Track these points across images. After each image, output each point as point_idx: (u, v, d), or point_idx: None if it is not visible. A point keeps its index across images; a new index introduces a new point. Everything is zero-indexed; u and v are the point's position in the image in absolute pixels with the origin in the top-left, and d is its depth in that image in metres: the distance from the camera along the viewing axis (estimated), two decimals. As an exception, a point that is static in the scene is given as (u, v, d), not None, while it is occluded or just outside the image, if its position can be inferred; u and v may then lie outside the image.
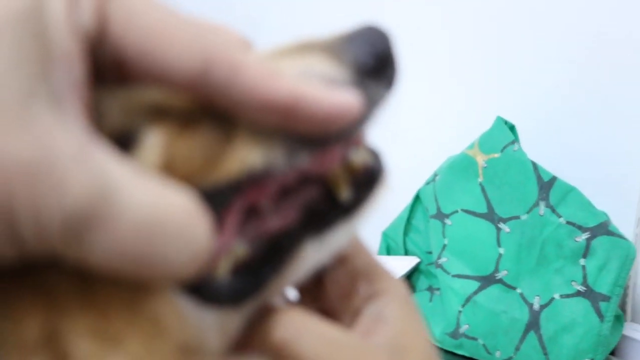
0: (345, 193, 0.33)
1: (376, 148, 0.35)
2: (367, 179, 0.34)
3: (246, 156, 0.27)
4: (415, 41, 1.30)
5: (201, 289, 0.28)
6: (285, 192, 0.31)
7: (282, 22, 1.41)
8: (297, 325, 0.32)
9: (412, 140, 1.35)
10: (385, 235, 1.27)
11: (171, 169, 0.26)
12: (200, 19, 0.26)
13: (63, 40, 0.23)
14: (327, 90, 0.28)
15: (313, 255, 0.32)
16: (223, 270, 0.28)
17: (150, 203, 0.23)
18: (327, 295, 0.37)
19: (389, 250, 1.26)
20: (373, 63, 0.30)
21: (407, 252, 1.24)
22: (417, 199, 1.22)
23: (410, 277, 1.21)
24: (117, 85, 0.27)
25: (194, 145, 0.27)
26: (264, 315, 0.32)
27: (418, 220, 1.23)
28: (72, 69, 0.23)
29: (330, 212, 0.32)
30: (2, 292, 0.24)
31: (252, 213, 0.30)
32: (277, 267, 0.31)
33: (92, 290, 0.25)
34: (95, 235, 0.22)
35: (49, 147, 0.21)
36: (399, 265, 1.19)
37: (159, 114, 0.27)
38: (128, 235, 0.23)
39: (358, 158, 0.33)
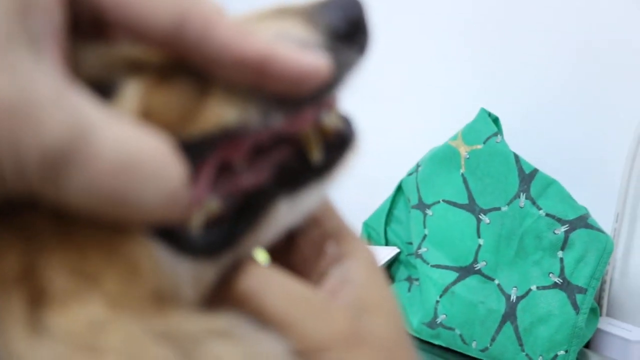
0: (316, 154, 0.34)
1: (347, 113, 0.35)
2: (338, 142, 0.35)
3: (222, 113, 0.28)
4: (400, 32, 1.30)
5: (176, 238, 0.28)
6: (259, 151, 0.32)
7: None
8: (261, 278, 0.33)
9: (395, 131, 1.35)
10: (367, 225, 1.27)
11: (148, 119, 0.27)
12: None
13: None
14: (298, 51, 0.28)
15: (285, 213, 0.33)
16: (196, 223, 0.29)
17: (125, 143, 0.24)
18: (296, 257, 0.37)
19: (369, 241, 1.26)
20: (346, 28, 0.31)
21: (387, 243, 1.24)
22: (399, 189, 1.23)
23: (390, 267, 1.21)
24: (95, 41, 0.27)
25: (170, 98, 0.28)
26: (233, 270, 0.32)
27: (400, 211, 1.23)
28: (50, 16, 0.24)
29: (302, 172, 0.33)
30: None
31: (225, 170, 0.30)
32: (250, 222, 0.31)
33: (70, 230, 0.25)
34: (72, 174, 0.23)
35: (28, 89, 0.22)
36: (379, 255, 1.19)
37: (136, 68, 0.28)
38: (103, 174, 0.23)
39: (330, 121, 0.34)
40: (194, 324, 0.27)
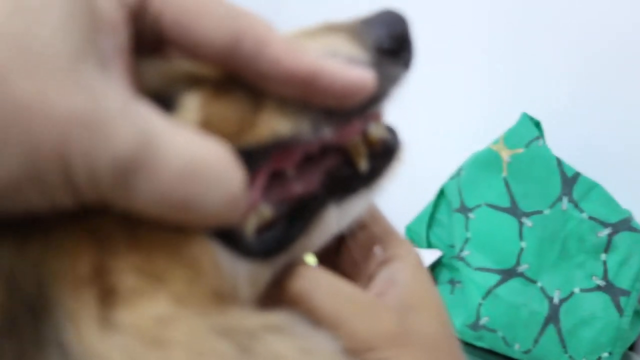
0: (363, 163, 0.36)
1: (393, 125, 0.37)
2: (384, 152, 0.37)
3: (275, 125, 0.30)
4: (443, 38, 1.31)
5: (234, 241, 0.31)
6: (309, 160, 0.33)
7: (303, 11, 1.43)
8: (312, 280, 0.34)
9: (438, 136, 1.36)
10: (409, 229, 1.28)
11: (207, 128, 0.29)
12: (230, 3, 0.29)
13: (109, 9, 0.26)
14: (345, 67, 0.30)
15: (335, 219, 0.35)
16: (250, 227, 0.31)
17: (190, 150, 0.26)
18: (346, 260, 0.39)
19: (412, 244, 1.27)
20: (391, 44, 0.33)
21: (430, 246, 1.25)
22: (441, 193, 1.24)
23: (433, 270, 1.23)
24: (156, 55, 0.29)
25: (227, 110, 0.30)
26: (285, 272, 0.34)
27: (442, 215, 1.24)
28: (116, 35, 0.26)
29: (350, 180, 0.35)
30: (61, 234, 0.26)
31: (277, 178, 0.32)
32: (302, 227, 0.34)
33: (138, 234, 0.27)
34: (141, 181, 0.25)
35: (99, 102, 0.24)
36: (422, 257, 1.20)
37: (194, 82, 0.30)
38: (169, 180, 0.25)
39: (376, 132, 0.36)
40: (251, 321, 0.29)
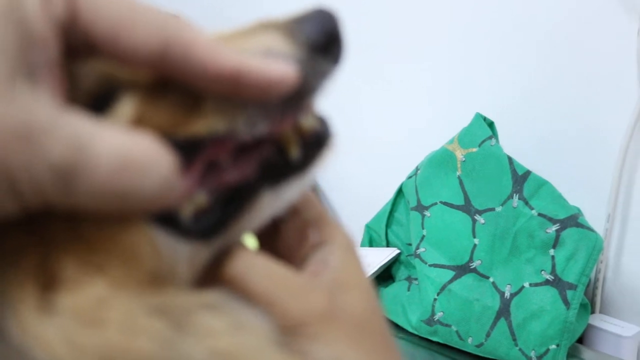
0: (295, 152, 0.38)
1: (324, 115, 0.39)
2: (315, 141, 0.39)
3: (211, 122, 0.33)
4: (396, 42, 1.34)
5: (172, 225, 0.33)
6: (243, 150, 0.36)
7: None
8: (247, 262, 0.37)
9: (395, 137, 1.39)
10: (368, 228, 1.31)
11: (141, 125, 0.31)
12: (158, 8, 0.31)
13: (39, 25, 0.27)
14: (266, 62, 0.33)
15: (269, 204, 0.37)
16: (187, 213, 0.33)
17: (118, 146, 0.28)
18: (282, 243, 0.41)
19: (371, 242, 1.30)
20: (322, 41, 0.36)
21: (388, 244, 1.28)
22: (399, 192, 1.26)
23: (391, 267, 1.25)
24: (90, 58, 0.31)
25: (162, 109, 0.32)
26: (223, 255, 0.36)
27: (400, 213, 1.27)
28: (46, 49, 0.28)
29: (283, 168, 0.37)
30: (7, 235, 0.28)
31: (212, 168, 0.34)
32: (236, 211, 0.36)
33: (81, 230, 0.29)
34: (80, 181, 0.27)
35: (31, 115, 0.26)
36: (380, 256, 1.23)
37: (130, 85, 0.32)
38: (105, 176, 0.27)
39: (307, 123, 0.38)
40: (185, 299, 0.31)
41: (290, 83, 0.33)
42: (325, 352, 0.35)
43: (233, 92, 0.32)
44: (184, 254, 0.33)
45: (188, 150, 0.32)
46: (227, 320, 0.31)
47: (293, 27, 0.35)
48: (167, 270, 0.32)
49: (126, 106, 0.31)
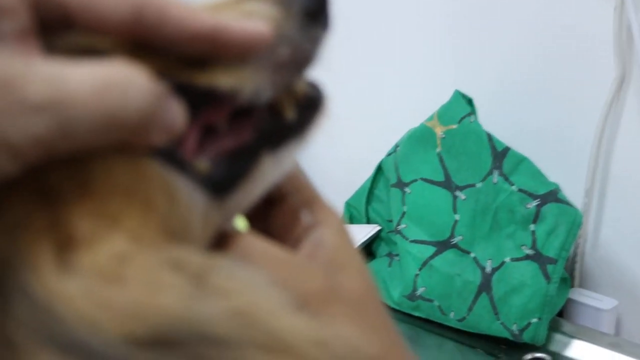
0: (290, 113, 0.38)
1: (316, 81, 0.40)
2: (309, 104, 0.40)
3: (213, 79, 0.33)
4: (379, 17, 1.34)
5: (187, 176, 0.33)
6: (237, 115, 0.36)
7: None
8: (246, 245, 0.37)
9: (374, 115, 1.39)
10: (348, 205, 1.31)
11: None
12: None
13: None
14: (241, 20, 0.33)
15: (270, 168, 0.38)
16: (201, 166, 0.34)
17: (95, 74, 0.28)
18: (274, 225, 0.42)
19: (351, 219, 1.31)
20: (314, 8, 0.36)
21: (369, 221, 1.28)
22: (379, 169, 1.27)
23: (372, 244, 1.26)
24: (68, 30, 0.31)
25: (155, 65, 0.32)
26: (219, 240, 0.37)
27: (380, 190, 1.28)
28: (15, 19, 0.28)
29: (280, 131, 0.38)
30: (12, 199, 0.28)
31: (209, 133, 0.35)
32: (244, 172, 0.36)
33: (89, 182, 0.29)
34: (67, 114, 0.27)
35: (5, 67, 0.26)
36: (361, 232, 1.24)
37: (111, 54, 0.32)
38: (89, 102, 0.27)
39: (300, 87, 0.39)
40: (200, 258, 0.31)
41: (265, 40, 0.34)
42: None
43: (210, 52, 0.33)
44: (198, 207, 0.34)
45: (187, 96, 0.32)
46: (242, 282, 0.31)
47: None
48: (182, 225, 0.32)
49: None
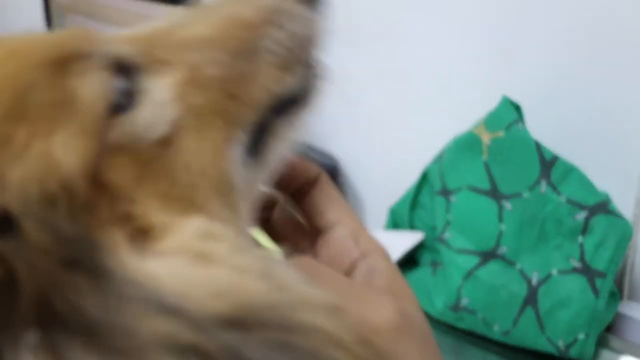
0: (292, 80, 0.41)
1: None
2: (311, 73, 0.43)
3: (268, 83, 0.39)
4: (425, 22, 1.32)
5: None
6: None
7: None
8: (309, 265, 0.37)
9: (420, 121, 1.37)
10: (393, 212, 1.30)
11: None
12: None
13: None
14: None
15: (284, 133, 0.41)
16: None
17: None
18: (322, 257, 0.42)
19: (395, 226, 1.29)
20: None
21: (412, 228, 1.27)
22: (424, 176, 1.25)
23: (415, 251, 1.24)
24: None
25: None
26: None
27: (424, 197, 1.25)
28: None
29: (287, 100, 0.41)
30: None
31: None
32: (262, 139, 0.39)
33: (149, 166, 0.31)
34: None
35: None
36: (405, 239, 1.22)
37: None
38: None
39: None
40: (270, 253, 0.32)
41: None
42: None
43: None
44: (244, 172, 0.36)
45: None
46: (294, 275, 0.32)
47: None
48: (232, 196, 0.34)
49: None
